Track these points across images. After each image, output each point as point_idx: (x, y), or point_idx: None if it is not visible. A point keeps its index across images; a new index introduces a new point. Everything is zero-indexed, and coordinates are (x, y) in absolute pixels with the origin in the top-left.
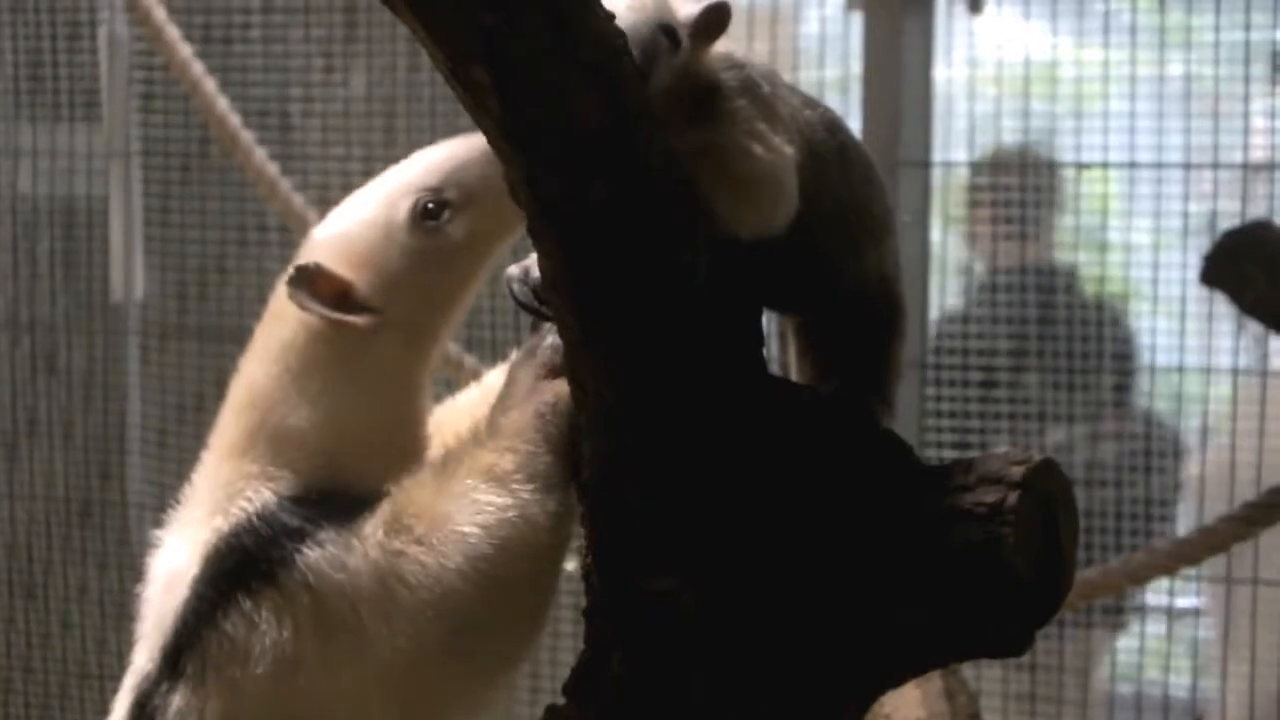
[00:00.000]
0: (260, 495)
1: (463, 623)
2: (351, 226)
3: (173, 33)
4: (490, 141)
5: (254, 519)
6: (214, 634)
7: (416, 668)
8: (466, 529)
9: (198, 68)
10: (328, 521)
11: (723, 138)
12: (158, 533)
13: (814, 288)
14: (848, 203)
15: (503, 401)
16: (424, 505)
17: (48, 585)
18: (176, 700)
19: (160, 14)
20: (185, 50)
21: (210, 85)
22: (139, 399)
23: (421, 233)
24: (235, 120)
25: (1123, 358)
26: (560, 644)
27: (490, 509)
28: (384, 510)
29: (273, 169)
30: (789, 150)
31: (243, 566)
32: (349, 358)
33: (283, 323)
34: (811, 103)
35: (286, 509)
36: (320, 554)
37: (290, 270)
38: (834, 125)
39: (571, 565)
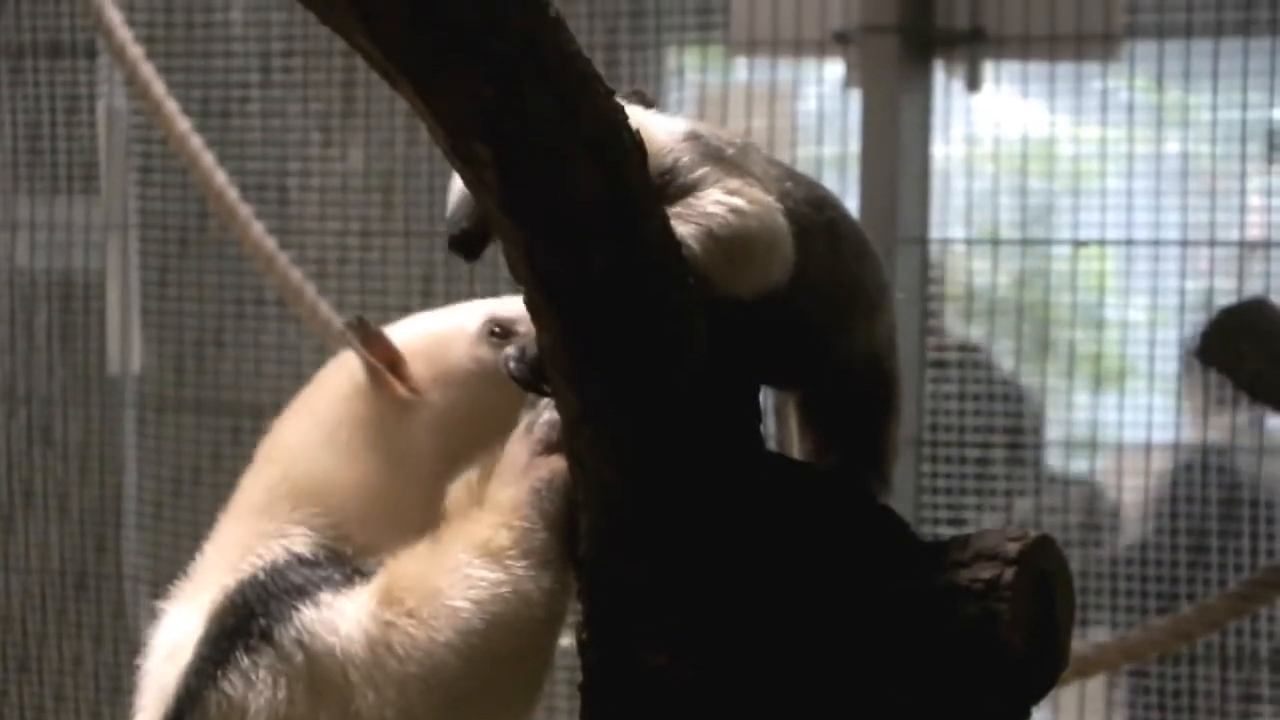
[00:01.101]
0: (272, 552)
1: (453, 696)
2: (423, 324)
3: (171, 106)
4: (488, 216)
5: (261, 574)
6: (214, 694)
7: None
8: (458, 603)
9: (196, 141)
10: (328, 585)
11: (700, 203)
12: (160, 604)
13: (804, 364)
14: (838, 279)
15: (499, 477)
16: (416, 578)
17: (42, 658)
18: None
19: (159, 88)
20: (184, 124)
21: (208, 159)
22: (135, 471)
23: (487, 346)
24: (233, 193)
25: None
26: (555, 718)
27: (483, 584)
28: (379, 580)
29: (271, 242)
30: (771, 199)
31: (244, 623)
32: (381, 422)
33: (322, 386)
34: (796, 177)
35: (294, 568)
36: (316, 615)
37: (353, 316)
38: (822, 202)
39: (567, 640)
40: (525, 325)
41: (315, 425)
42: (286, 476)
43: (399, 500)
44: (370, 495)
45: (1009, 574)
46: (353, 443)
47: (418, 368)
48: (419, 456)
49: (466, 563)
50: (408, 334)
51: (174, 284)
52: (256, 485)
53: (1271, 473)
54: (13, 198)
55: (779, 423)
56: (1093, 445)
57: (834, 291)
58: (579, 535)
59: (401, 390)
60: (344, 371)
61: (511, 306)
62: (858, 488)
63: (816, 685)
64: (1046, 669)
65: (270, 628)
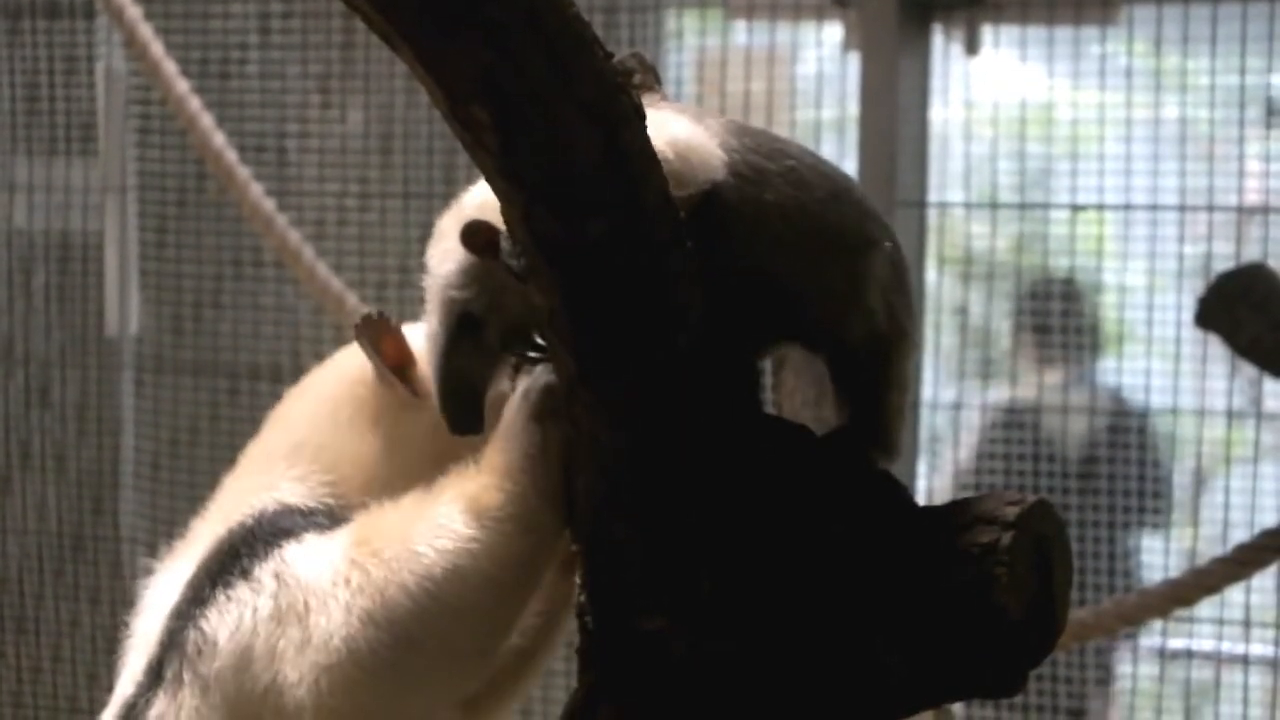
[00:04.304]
0: (262, 502)
1: (398, 635)
2: None
3: (170, 67)
4: (487, 179)
5: (250, 521)
6: (192, 632)
7: (347, 671)
8: (422, 549)
9: (194, 102)
10: (315, 529)
11: None
12: (152, 563)
13: (782, 320)
14: (802, 225)
15: (496, 441)
16: (392, 524)
17: (39, 619)
18: (156, 708)
19: (157, 48)
20: (182, 85)
21: (207, 120)
22: (133, 433)
23: None
24: (232, 155)
25: None
26: (552, 682)
27: (454, 536)
28: (357, 524)
29: (269, 204)
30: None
31: (228, 564)
32: (382, 411)
33: (333, 367)
34: (749, 132)
35: (285, 515)
36: (298, 550)
37: (371, 310)
38: (779, 152)
39: None
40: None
41: (320, 401)
42: (286, 440)
43: (392, 479)
44: (364, 469)
45: (1006, 538)
46: (354, 422)
47: (428, 371)
48: (415, 448)
49: (446, 515)
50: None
51: (172, 245)
52: (258, 449)
53: (1082, 431)
54: (11, 159)
55: (775, 384)
56: (1090, 410)
57: (798, 236)
58: (574, 500)
59: (403, 393)
60: (357, 356)
61: None
62: (855, 451)
63: (810, 650)
64: (1043, 634)
65: (251, 565)
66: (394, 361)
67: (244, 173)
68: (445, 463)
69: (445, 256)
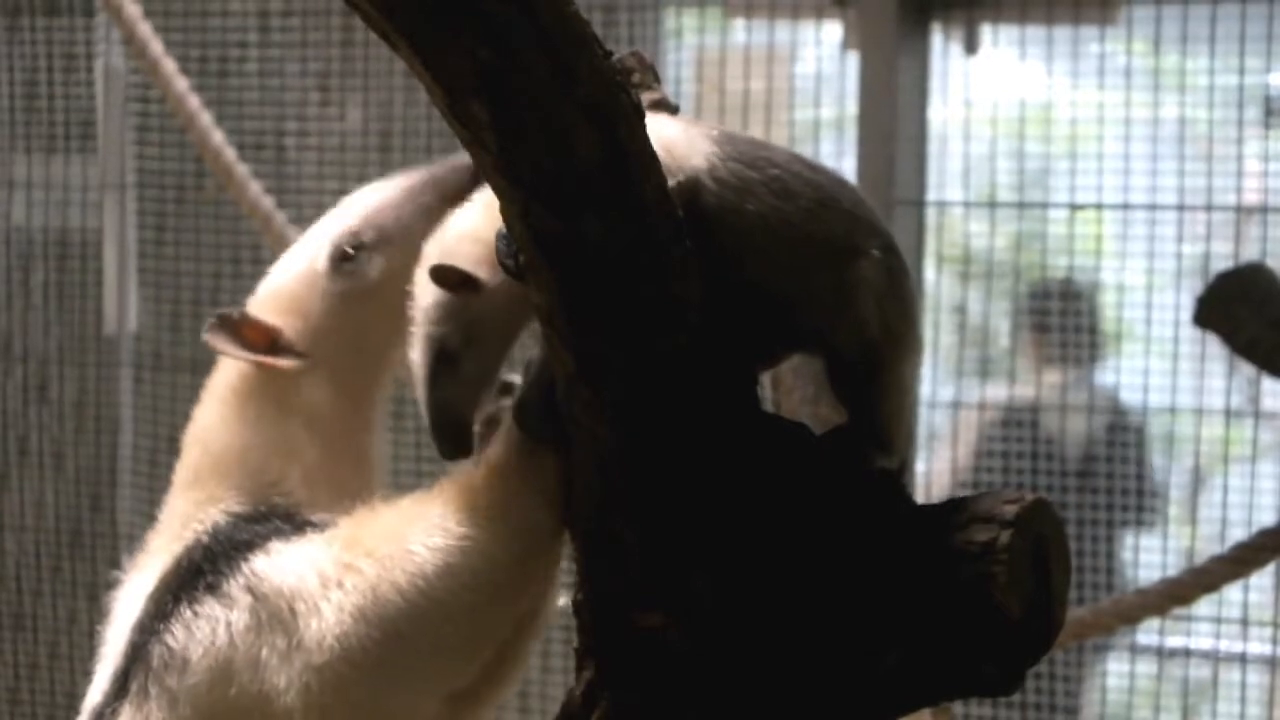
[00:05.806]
0: (210, 516)
1: (390, 632)
2: (281, 275)
3: (169, 65)
4: (486, 176)
5: (204, 537)
6: (157, 646)
7: (339, 669)
8: (414, 547)
9: (194, 100)
10: (278, 536)
11: None
12: (119, 573)
13: (775, 326)
14: (785, 234)
15: (497, 440)
16: (389, 524)
17: (37, 615)
18: (122, 719)
19: (157, 46)
20: (181, 83)
21: (206, 118)
22: (131, 430)
23: (339, 276)
24: (231, 153)
25: None
26: (550, 678)
27: (447, 535)
28: (345, 527)
29: (268, 201)
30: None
31: (190, 581)
32: (281, 393)
33: (224, 368)
34: (734, 140)
35: (236, 526)
36: (266, 561)
37: (210, 317)
38: (764, 161)
39: (563, 599)
40: (371, 229)
41: (223, 404)
42: (206, 453)
43: (322, 457)
44: (292, 455)
45: (1005, 537)
46: (261, 415)
47: (292, 325)
48: (327, 410)
49: (440, 514)
50: (272, 290)
51: (171, 243)
52: (185, 466)
53: (1080, 430)
54: (10, 156)
55: (775, 383)
56: (1089, 409)
57: (782, 245)
58: (573, 497)
59: (285, 364)
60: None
61: (353, 211)
62: (853, 451)
63: (808, 648)
64: (1041, 632)
65: (217, 581)
66: (264, 342)
67: (243, 170)
68: (359, 409)
69: (425, 288)
